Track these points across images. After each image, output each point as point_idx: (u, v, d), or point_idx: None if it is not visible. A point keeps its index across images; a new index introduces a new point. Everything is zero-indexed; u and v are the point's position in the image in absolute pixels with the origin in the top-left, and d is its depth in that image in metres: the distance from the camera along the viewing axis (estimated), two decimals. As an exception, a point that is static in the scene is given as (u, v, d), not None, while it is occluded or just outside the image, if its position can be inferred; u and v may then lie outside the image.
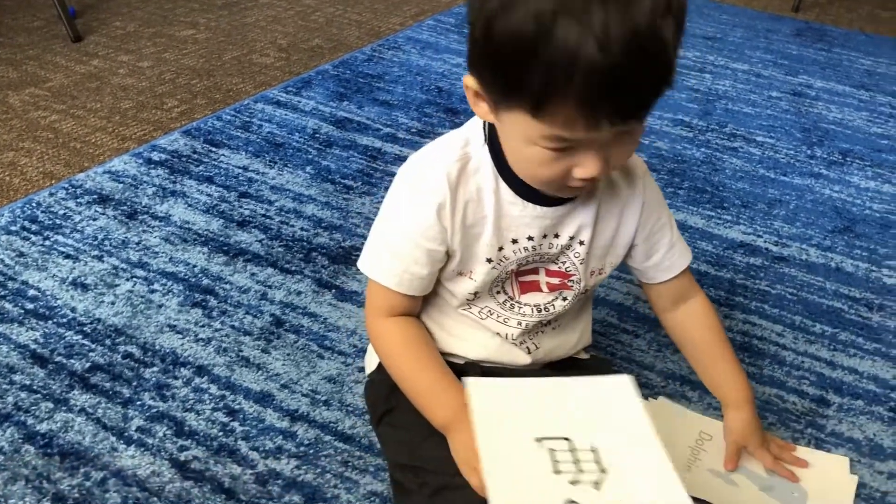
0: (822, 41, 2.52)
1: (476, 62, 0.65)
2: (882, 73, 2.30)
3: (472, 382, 0.72)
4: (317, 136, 1.67)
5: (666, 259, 0.88)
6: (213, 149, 1.59)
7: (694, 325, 0.93)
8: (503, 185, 0.76)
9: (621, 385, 0.73)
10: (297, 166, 1.55)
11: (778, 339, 1.21)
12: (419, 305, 0.85)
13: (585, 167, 0.66)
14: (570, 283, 0.83)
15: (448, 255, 0.79)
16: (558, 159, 0.66)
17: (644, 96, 0.61)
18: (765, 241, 1.45)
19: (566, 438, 0.67)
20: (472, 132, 0.78)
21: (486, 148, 0.76)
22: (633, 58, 0.56)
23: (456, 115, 1.80)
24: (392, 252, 0.79)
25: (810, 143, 1.84)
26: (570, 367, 0.92)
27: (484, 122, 0.77)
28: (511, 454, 0.65)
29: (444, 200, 0.75)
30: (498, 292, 0.83)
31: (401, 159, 1.58)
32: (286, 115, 1.75)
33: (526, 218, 0.77)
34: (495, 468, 0.63)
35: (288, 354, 1.10)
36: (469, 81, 0.68)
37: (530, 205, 0.76)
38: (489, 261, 0.79)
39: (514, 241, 0.78)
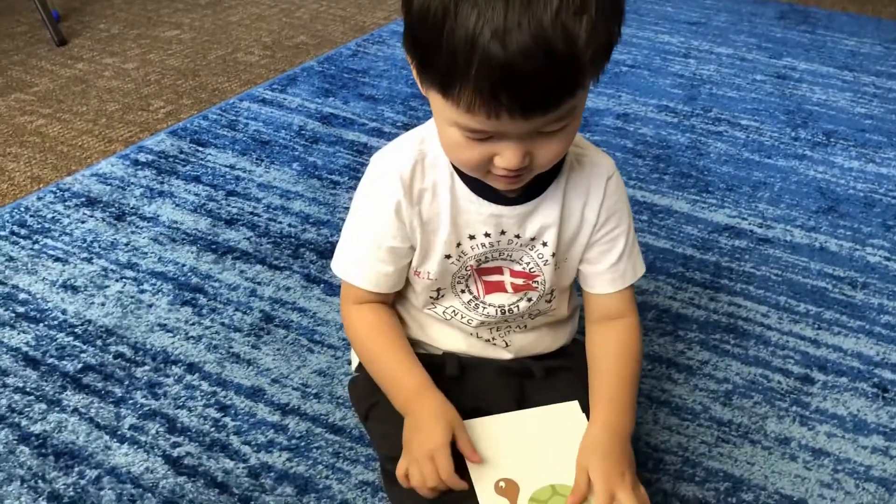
0: (805, 23, 2.53)
1: (404, 37, 0.66)
2: (866, 53, 2.31)
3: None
4: (303, 132, 1.68)
5: (611, 272, 0.83)
6: (200, 148, 1.59)
7: (609, 351, 0.83)
8: (458, 182, 0.76)
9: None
10: (283, 163, 1.56)
11: (763, 319, 1.23)
12: (392, 296, 0.86)
13: (504, 157, 0.65)
14: (534, 284, 0.83)
15: (413, 250, 0.80)
16: (477, 145, 0.65)
17: (545, 93, 0.59)
18: (749, 224, 1.46)
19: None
20: (430, 129, 0.78)
21: None
22: (530, 54, 0.55)
23: (441, 107, 1.81)
24: (358, 252, 0.81)
25: (794, 125, 1.85)
26: (555, 355, 0.93)
27: None
28: None
29: (399, 199, 0.76)
30: (462, 291, 0.84)
31: (387, 153, 1.59)
32: (272, 112, 1.75)
33: (482, 215, 0.77)
34: None
35: (278, 349, 1.11)
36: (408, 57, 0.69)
37: (485, 202, 0.76)
38: (447, 256, 0.79)
39: (472, 237, 0.78)
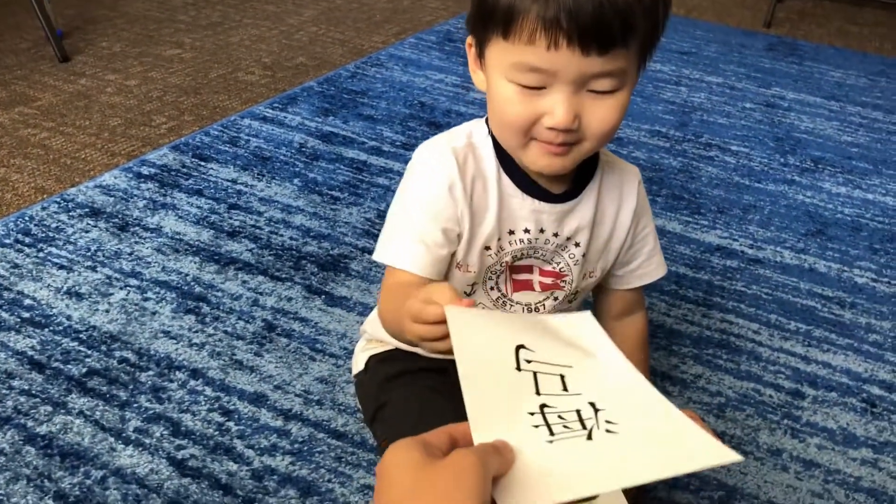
0: (793, 55, 2.59)
1: (470, 10, 0.72)
2: (851, 84, 2.37)
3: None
4: (303, 149, 1.71)
5: (641, 268, 0.89)
6: (202, 163, 1.62)
7: (630, 342, 0.93)
8: (504, 177, 0.80)
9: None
10: (284, 179, 1.58)
11: (754, 336, 1.25)
12: None
13: (553, 114, 0.68)
14: (562, 284, 0.86)
15: (459, 238, 0.80)
16: (529, 99, 0.69)
17: (602, 25, 0.64)
18: (740, 245, 1.50)
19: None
20: (475, 127, 0.82)
21: (489, 139, 0.80)
22: None
23: (438, 127, 1.84)
24: (413, 235, 0.78)
25: (783, 152, 1.90)
26: None
27: (486, 120, 0.81)
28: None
29: (454, 178, 0.77)
30: (492, 288, 0.86)
31: (386, 171, 1.62)
32: (273, 130, 1.78)
33: (524, 210, 0.80)
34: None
35: (280, 357, 1.12)
36: (469, 40, 0.75)
37: (528, 197, 0.79)
38: (487, 248, 0.81)
39: (511, 233, 0.81)
